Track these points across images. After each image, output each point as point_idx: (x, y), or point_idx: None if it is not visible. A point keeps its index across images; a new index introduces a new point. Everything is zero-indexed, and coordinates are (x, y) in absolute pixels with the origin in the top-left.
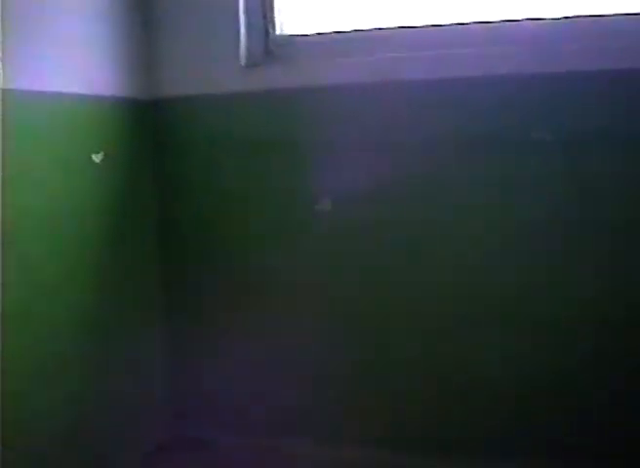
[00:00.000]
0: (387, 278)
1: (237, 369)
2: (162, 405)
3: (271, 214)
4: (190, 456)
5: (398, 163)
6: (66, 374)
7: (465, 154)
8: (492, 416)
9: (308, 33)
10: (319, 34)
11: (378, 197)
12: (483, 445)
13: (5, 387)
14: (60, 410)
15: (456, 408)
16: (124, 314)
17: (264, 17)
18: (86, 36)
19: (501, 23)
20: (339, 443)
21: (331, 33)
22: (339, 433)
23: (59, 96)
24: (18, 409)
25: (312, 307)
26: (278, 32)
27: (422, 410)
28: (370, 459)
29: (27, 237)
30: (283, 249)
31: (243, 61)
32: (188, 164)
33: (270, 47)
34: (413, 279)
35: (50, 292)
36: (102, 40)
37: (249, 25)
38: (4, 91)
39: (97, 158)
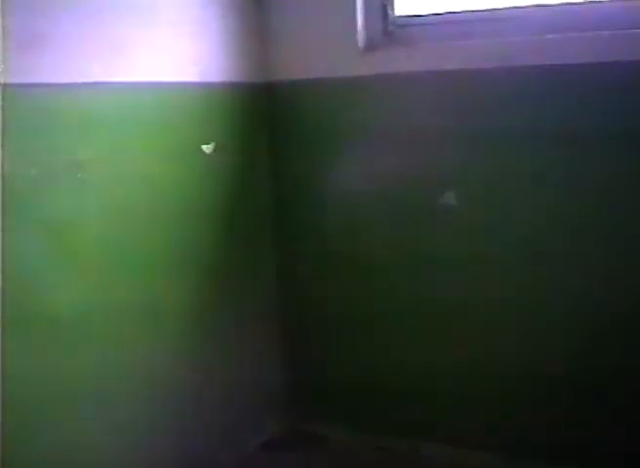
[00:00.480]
0: (512, 278)
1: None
2: (276, 397)
3: (390, 205)
4: (301, 453)
5: (525, 154)
6: (174, 368)
7: (609, 146)
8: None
9: (430, 13)
10: (442, 14)
11: (506, 191)
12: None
13: None
14: (168, 407)
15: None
16: (235, 313)
17: None
18: (195, 20)
19: None
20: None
21: (455, 13)
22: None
23: (165, 85)
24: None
25: (434, 301)
26: (398, 13)
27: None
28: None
29: (132, 234)
30: (402, 245)
31: (361, 44)
32: (304, 152)
33: (389, 28)
34: (543, 282)
35: (157, 290)
36: (213, 23)
37: (367, 6)
38: (98, 84)
39: (207, 149)
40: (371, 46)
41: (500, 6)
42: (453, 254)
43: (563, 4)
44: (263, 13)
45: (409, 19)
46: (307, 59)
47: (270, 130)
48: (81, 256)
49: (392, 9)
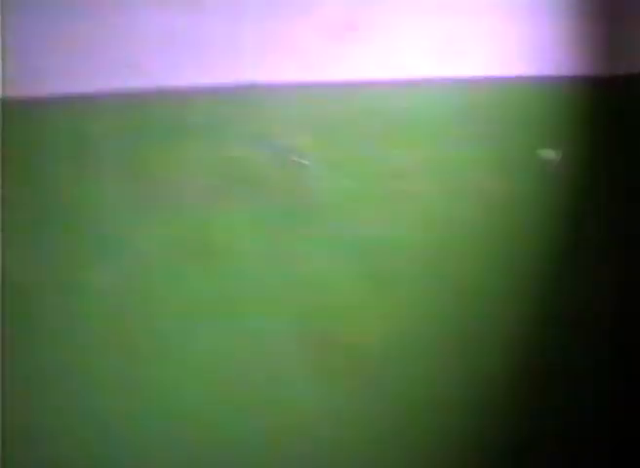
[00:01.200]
0: None
1: None
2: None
3: None
4: None
5: None
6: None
7: None
8: None
9: None
10: None
11: None
12: None
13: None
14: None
15: None
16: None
17: None
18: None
19: None
20: None
21: None
22: None
23: (492, 81)
24: None
25: None
26: None
27: None
28: None
29: (456, 255)
30: None
31: None
32: None
33: None
34: None
35: (483, 325)
36: (548, 5)
37: None
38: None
39: (546, 157)
40: None
41: None
42: None
43: None
44: None
45: None
46: None
47: (626, 135)
48: (395, 280)
49: None
